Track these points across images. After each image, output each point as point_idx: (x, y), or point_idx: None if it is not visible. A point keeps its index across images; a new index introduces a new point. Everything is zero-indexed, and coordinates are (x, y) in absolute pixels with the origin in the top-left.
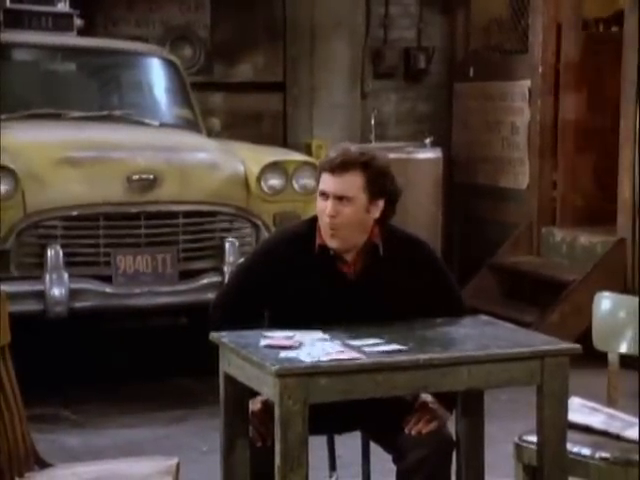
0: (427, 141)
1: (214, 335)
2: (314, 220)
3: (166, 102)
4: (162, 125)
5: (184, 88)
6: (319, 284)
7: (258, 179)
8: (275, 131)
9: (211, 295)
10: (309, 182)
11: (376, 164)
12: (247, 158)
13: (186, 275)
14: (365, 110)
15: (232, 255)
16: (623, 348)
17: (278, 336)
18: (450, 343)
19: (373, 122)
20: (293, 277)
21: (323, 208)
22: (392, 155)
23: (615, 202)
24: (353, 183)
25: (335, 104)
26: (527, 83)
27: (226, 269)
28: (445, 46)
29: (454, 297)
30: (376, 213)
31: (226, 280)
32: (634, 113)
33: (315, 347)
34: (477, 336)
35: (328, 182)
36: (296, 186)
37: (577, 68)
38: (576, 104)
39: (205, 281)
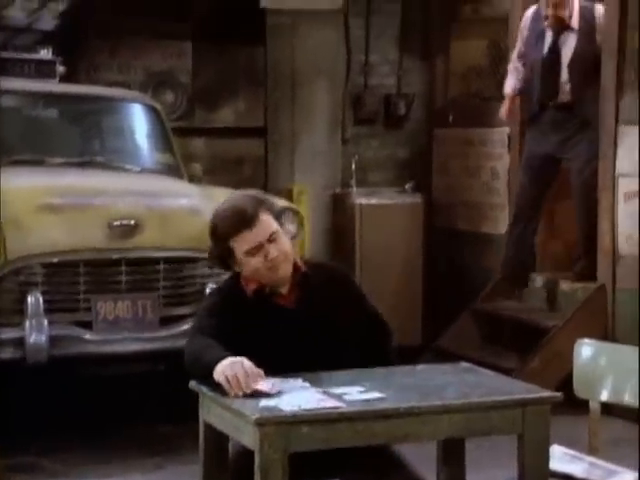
0: (407, 186)
1: (193, 384)
2: (234, 277)
3: (148, 148)
4: (143, 171)
5: (166, 134)
6: (263, 322)
7: None
8: (256, 176)
9: None
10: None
11: (259, 195)
12: None
13: (167, 321)
14: (346, 155)
15: None
16: (604, 396)
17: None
18: (430, 391)
19: (354, 167)
20: (240, 325)
21: (260, 261)
22: (373, 201)
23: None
24: (268, 220)
25: (316, 150)
26: (506, 130)
27: None
28: (425, 93)
29: (378, 318)
30: (286, 234)
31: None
32: (612, 161)
33: (295, 395)
34: (457, 384)
35: (252, 236)
36: None
37: None
38: None
39: (186, 327)
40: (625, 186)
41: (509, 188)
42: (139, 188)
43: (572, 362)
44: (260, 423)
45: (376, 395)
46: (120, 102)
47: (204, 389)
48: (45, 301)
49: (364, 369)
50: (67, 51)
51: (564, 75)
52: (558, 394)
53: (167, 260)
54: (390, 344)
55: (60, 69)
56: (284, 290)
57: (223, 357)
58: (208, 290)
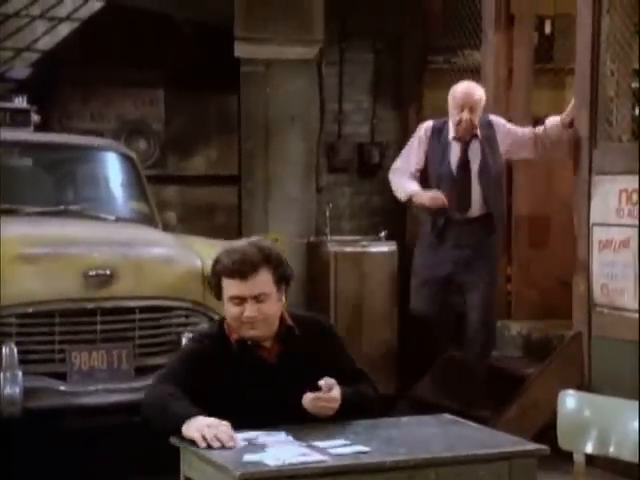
0: (382, 234)
1: (174, 439)
2: (221, 322)
3: (122, 196)
4: (118, 220)
5: (140, 182)
6: (242, 372)
7: None
8: (230, 224)
9: None
10: None
11: (275, 255)
12: (204, 252)
13: (142, 371)
14: (320, 204)
15: None
16: (589, 448)
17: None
18: (416, 444)
19: (328, 215)
20: (218, 374)
21: (238, 313)
22: (347, 249)
23: (569, 296)
24: (265, 281)
25: (290, 197)
26: None
27: None
28: (398, 140)
29: (359, 373)
30: (283, 299)
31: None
32: (587, 209)
33: (279, 449)
34: (442, 436)
35: (241, 287)
36: None
37: (529, 164)
38: (529, 200)
39: None
40: (599, 235)
41: None
42: (114, 237)
43: (549, 412)
44: (245, 478)
45: (361, 448)
46: (95, 151)
47: (186, 443)
48: (19, 352)
49: (347, 421)
50: (40, 100)
51: (475, 187)
52: (544, 447)
53: (142, 309)
54: (371, 390)
55: (35, 118)
56: (267, 343)
57: (194, 414)
58: (185, 339)
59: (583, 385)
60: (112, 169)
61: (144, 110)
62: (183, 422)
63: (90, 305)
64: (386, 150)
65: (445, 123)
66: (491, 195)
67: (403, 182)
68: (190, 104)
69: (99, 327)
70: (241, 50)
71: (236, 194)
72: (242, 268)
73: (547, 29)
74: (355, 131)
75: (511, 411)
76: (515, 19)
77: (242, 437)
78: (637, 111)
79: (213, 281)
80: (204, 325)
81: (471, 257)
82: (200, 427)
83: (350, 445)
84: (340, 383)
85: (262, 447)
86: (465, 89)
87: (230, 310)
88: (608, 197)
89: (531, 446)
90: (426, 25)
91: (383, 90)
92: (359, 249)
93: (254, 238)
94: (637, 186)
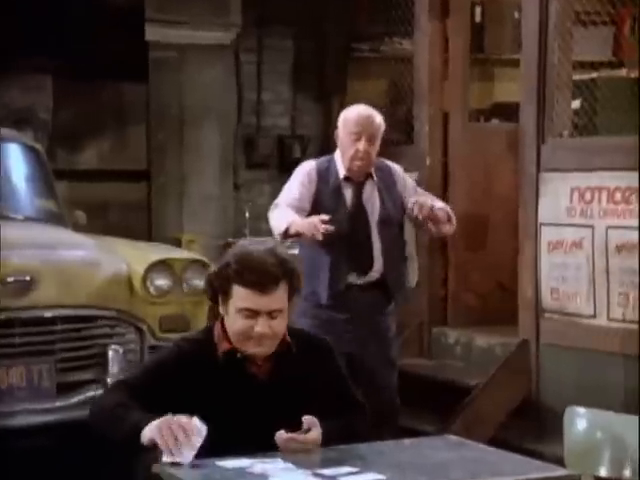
0: None
1: (158, 466)
2: (210, 329)
3: (29, 193)
4: (27, 219)
5: (47, 178)
6: (227, 388)
7: (143, 279)
8: (138, 224)
9: None
10: (199, 282)
11: (294, 268)
12: (130, 256)
13: (65, 389)
14: (238, 202)
15: (116, 364)
16: (602, 471)
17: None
18: (434, 470)
19: (247, 215)
20: (196, 386)
21: (247, 327)
22: None
23: (511, 301)
24: (282, 296)
25: (206, 196)
26: (414, 175)
27: (110, 380)
28: (321, 135)
29: (354, 398)
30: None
31: (111, 386)
32: (535, 208)
33: (285, 479)
34: (459, 461)
35: (258, 301)
36: (185, 287)
37: (466, 160)
38: (466, 198)
39: (86, 395)
40: (548, 235)
41: (417, 238)
42: (32, 239)
43: (496, 425)
44: None
45: (378, 477)
46: None
47: (174, 472)
48: None
49: (344, 446)
50: None
51: (376, 242)
52: (576, 473)
53: (65, 319)
54: (363, 426)
55: None
56: (260, 359)
57: (153, 418)
58: (111, 352)
59: (531, 397)
60: (16, 163)
61: (31, 98)
62: (138, 430)
63: (6, 315)
64: (308, 144)
65: (330, 162)
66: (391, 252)
67: (283, 214)
68: (87, 92)
69: (17, 340)
70: (152, 33)
71: (145, 191)
72: (263, 281)
73: (477, 17)
74: (275, 123)
75: (456, 425)
76: (450, 5)
77: (232, 465)
78: (575, 104)
79: (217, 284)
80: (132, 335)
81: (368, 335)
82: (158, 424)
83: (361, 473)
84: (332, 411)
85: (264, 477)
86: (362, 113)
87: (238, 322)
88: (558, 196)
89: (561, 472)
90: (351, 10)
91: (304, 80)
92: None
93: (269, 243)
94: (592, 184)
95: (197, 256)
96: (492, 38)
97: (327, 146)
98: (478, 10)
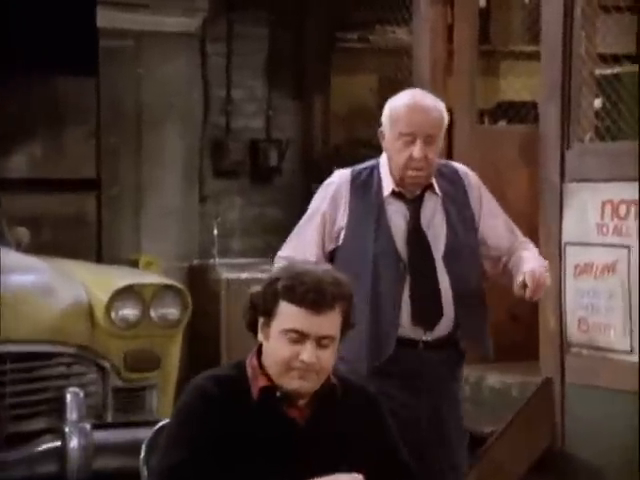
0: None
1: None
2: (241, 363)
3: None
4: None
5: None
6: (263, 432)
7: (107, 309)
8: (82, 243)
9: (51, 467)
10: (171, 311)
11: (350, 294)
12: (91, 282)
13: (15, 440)
14: (204, 217)
15: (75, 410)
16: None
17: None
18: None
19: (216, 232)
20: (230, 430)
21: (292, 354)
22: (242, 275)
23: (526, 333)
24: (335, 321)
25: (167, 209)
26: None
27: (68, 429)
28: (301, 139)
29: (402, 458)
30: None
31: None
32: (558, 224)
33: None
34: None
35: (309, 322)
36: (154, 317)
37: (474, 168)
38: None
39: (41, 448)
40: (575, 257)
41: None
42: None
43: (515, 478)
44: None
45: None
46: None
47: None
48: None
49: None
50: None
51: (444, 282)
52: None
53: (15, 357)
54: None
55: None
56: (300, 400)
57: None
58: (69, 396)
59: (555, 447)
60: None
61: None
62: None
63: None
64: (286, 150)
65: (373, 170)
66: (470, 295)
67: None
68: (23, 87)
69: None
70: (104, 18)
71: (92, 203)
72: (318, 298)
73: (482, 1)
74: (247, 125)
75: (470, 478)
76: None
77: None
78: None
79: (261, 303)
80: (94, 375)
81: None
82: None
83: None
84: (378, 473)
85: None
86: (415, 104)
87: (282, 348)
88: (586, 210)
89: None
90: None
91: (281, 74)
92: (256, 275)
93: (325, 265)
94: (628, 196)
95: (169, 281)
96: (499, 27)
97: (308, 152)
98: None
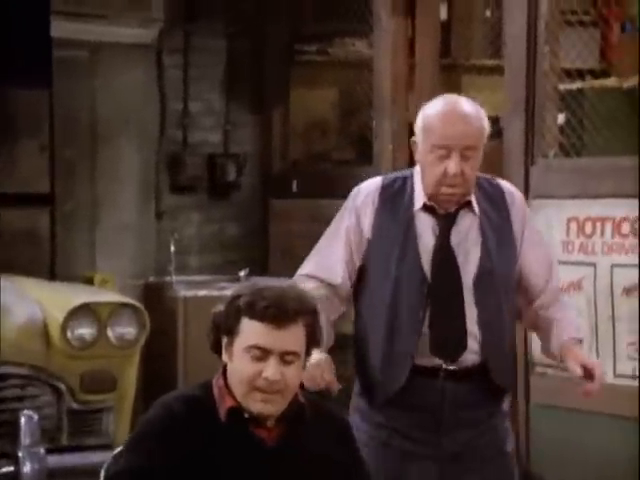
0: (242, 274)
1: None
2: (208, 384)
3: None
4: None
5: None
6: (231, 453)
7: (62, 328)
8: (34, 260)
9: None
10: (128, 331)
11: (314, 310)
12: (45, 300)
13: None
14: (161, 233)
15: (29, 434)
16: None
17: None
18: None
19: (173, 249)
20: (196, 452)
21: (256, 371)
22: (200, 292)
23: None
24: (299, 336)
25: (123, 225)
26: None
27: (22, 454)
28: (259, 153)
29: None
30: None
31: None
32: None
33: None
34: None
35: (271, 337)
36: (111, 336)
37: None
38: None
39: None
40: None
41: None
42: None
43: None
44: None
45: None
46: None
47: None
48: None
49: None
50: None
51: (471, 310)
52: None
53: None
54: None
55: None
56: (270, 421)
57: None
58: (23, 419)
59: (520, 466)
60: None
61: None
62: None
63: None
64: (244, 164)
65: (407, 180)
66: (496, 326)
67: None
68: None
69: None
70: (59, 29)
71: (46, 219)
72: (280, 312)
73: (443, 14)
74: (205, 139)
75: None
76: (417, 0)
77: None
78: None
79: (223, 323)
80: (49, 397)
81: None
82: None
83: None
84: None
85: None
86: (452, 111)
87: (246, 366)
88: (552, 227)
89: None
90: (295, 4)
91: (239, 87)
92: (215, 293)
93: (287, 281)
94: (594, 213)
95: (126, 299)
96: (460, 40)
97: (267, 166)
98: (443, 6)
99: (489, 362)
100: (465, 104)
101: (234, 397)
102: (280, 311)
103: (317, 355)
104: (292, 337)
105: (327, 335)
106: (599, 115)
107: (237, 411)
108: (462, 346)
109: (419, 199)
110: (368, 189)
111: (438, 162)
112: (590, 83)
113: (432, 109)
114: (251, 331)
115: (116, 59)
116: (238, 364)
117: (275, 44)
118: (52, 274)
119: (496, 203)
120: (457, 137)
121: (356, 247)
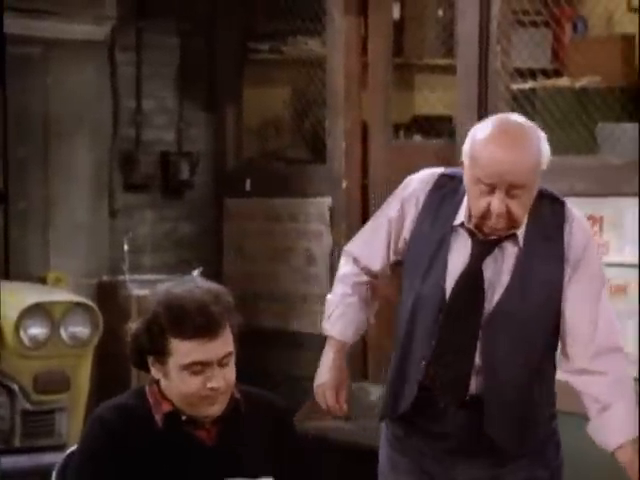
0: (195, 273)
1: None
2: (141, 391)
3: None
4: None
5: None
6: (172, 458)
7: (15, 327)
8: None
9: None
10: (81, 330)
11: (229, 301)
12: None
13: None
14: (114, 232)
15: None
16: None
17: None
18: None
19: (126, 248)
20: (135, 460)
21: (200, 385)
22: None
23: None
24: (229, 336)
25: (76, 224)
26: (327, 201)
27: None
28: (213, 152)
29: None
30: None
31: None
32: None
33: None
34: None
35: (208, 349)
36: (64, 336)
37: (390, 184)
38: None
39: None
40: None
41: (331, 275)
42: None
43: None
44: None
45: None
46: None
47: None
48: None
49: None
50: None
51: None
52: None
53: None
54: None
55: None
56: (207, 421)
57: None
58: None
59: None
60: None
61: None
62: None
63: None
64: (197, 163)
65: (460, 184)
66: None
67: (340, 284)
68: None
69: None
70: (12, 25)
71: (0, 218)
72: (208, 324)
73: (395, 13)
74: (158, 137)
75: None
76: None
77: None
78: None
79: (147, 343)
80: (1, 398)
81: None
82: None
83: None
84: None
85: None
86: (502, 143)
87: (188, 382)
88: None
89: None
90: (248, 3)
91: (192, 85)
92: None
93: (191, 281)
94: None
95: (79, 298)
96: (413, 39)
97: (220, 165)
98: (396, 6)
99: (485, 416)
100: (519, 132)
101: (170, 402)
102: (208, 322)
103: (324, 375)
104: (225, 340)
105: (363, 322)
106: (551, 115)
107: (174, 415)
108: (461, 384)
109: (461, 214)
110: (420, 184)
111: (482, 197)
112: (542, 83)
113: (482, 134)
114: (184, 351)
115: (69, 56)
116: (178, 382)
117: (228, 42)
118: (5, 273)
119: (550, 234)
120: (503, 174)
121: (394, 240)
